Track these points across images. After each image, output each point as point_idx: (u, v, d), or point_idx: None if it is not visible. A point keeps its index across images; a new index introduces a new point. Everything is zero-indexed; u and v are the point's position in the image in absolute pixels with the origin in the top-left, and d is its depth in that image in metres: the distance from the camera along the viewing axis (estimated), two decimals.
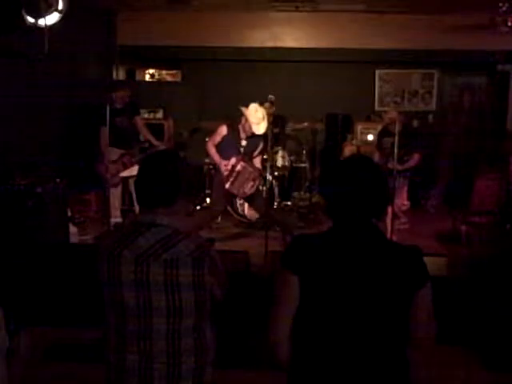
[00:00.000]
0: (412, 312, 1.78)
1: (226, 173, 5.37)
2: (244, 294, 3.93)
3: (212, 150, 5.49)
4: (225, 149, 5.44)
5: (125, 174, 6.07)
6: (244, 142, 5.45)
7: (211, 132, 5.72)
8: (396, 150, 5.13)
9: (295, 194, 7.64)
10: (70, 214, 5.74)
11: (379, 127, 6.37)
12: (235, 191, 5.43)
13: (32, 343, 2.33)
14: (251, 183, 5.37)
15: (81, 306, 4.06)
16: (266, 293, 1.91)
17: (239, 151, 5.43)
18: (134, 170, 5.89)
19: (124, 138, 6.07)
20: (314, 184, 7.60)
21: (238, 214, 6.66)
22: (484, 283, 4.17)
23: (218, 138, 5.45)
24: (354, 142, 7.73)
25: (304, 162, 7.76)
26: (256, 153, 5.57)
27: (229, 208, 6.71)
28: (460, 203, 6.78)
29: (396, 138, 5.08)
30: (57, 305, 4.24)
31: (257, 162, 5.62)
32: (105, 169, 5.85)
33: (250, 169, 5.36)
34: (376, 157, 5.73)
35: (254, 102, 5.32)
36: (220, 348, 2.13)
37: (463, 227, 5.91)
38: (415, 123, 8.30)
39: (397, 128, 5.11)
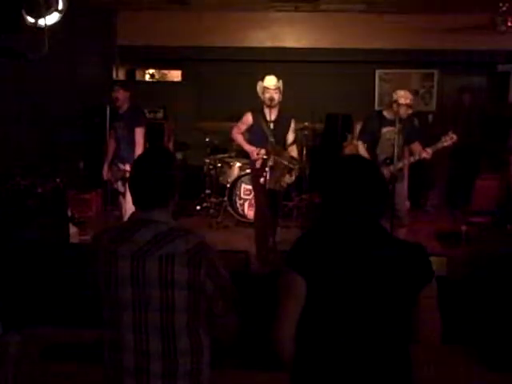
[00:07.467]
0: (418, 310, 1.78)
1: (258, 164, 4.97)
2: (244, 293, 3.92)
3: (239, 138, 5.19)
4: (252, 138, 5.10)
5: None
6: (272, 125, 4.98)
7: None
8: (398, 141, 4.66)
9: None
10: (70, 213, 5.74)
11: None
12: (272, 186, 4.97)
13: (23, 343, 2.33)
14: (287, 176, 5.03)
15: (81, 306, 4.05)
16: (266, 293, 1.90)
17: (268, 139, 4.97)
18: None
19: (118, 148, 5.28)
20: (314, 184, 7.58)
21: (238, 213, 6.67)
22: (484, 283, 4.17)
23: (243, 127, 5.16)
24: (354, 141, 7.73)
25: (304, 162, 7.75)
26: (290, 139, 5.15)
27: (229, 208, 6.71)
28: (460, 203, 6.78)
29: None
30: (57, 305, 4.24)
31: (293, 149, 5.18)
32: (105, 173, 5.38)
33: (283, 161, 4.94)
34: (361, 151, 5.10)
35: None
36: (220, 348, 2.13)
37: (463, 227, 5.91)
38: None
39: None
